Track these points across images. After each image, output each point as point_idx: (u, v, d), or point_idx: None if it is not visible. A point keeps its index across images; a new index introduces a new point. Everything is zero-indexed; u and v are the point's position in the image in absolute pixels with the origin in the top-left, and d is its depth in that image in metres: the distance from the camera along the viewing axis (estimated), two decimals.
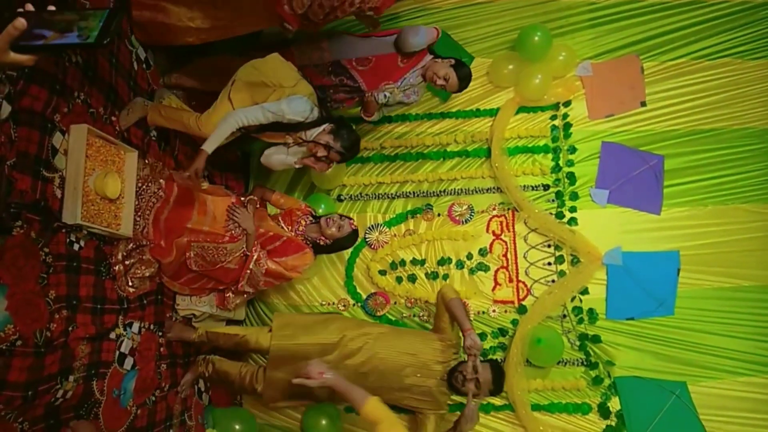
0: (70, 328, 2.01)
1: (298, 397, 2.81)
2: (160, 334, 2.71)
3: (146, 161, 2.63)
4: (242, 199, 2.81)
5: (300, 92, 2.68)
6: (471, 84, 3.05)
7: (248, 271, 2.71)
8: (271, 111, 2.56)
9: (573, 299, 3.26)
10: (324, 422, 3.06)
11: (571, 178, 3.37)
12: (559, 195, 3.37)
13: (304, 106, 2.62)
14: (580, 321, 3.24)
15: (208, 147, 2.45)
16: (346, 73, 2.93)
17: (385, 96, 2.88)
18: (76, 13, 1.06)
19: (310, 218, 2.89)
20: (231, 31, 2.67)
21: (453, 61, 2.87)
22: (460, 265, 3.38)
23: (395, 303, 3.38)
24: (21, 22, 0.96)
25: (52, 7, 1.08)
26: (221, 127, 2.49)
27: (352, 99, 2.99)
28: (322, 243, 2.83)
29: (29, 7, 1.07)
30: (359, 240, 3.39)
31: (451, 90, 2.94)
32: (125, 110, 2.54)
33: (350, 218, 2.88)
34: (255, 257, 2.69)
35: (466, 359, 2.60)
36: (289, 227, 2.85)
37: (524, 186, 3.40)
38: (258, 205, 2.86)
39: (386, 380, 2.67)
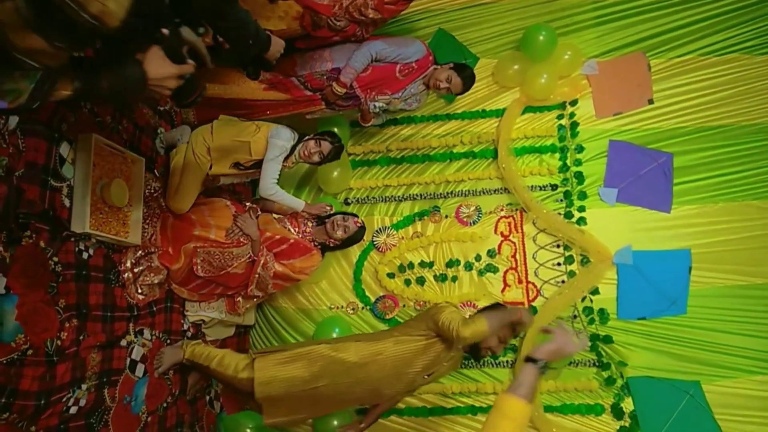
0: (81, 337, 2.02)
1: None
2: (169, 341, 2.71)
3: (156, 174, 2.66)
4: (247, 204, 2.83)
5: (265, 129, 2.72)
6: (476, 84, 3.04)
7: (257, 275, 2.72)
8: (276, 156, 2.65)
9: (583, 299, 3.23)
10: (336, 423, 3.03)
11: (579, 177, 3.34)
12: (567, 195, 3.35)
13: (285, 131, 2.71)
14: (591, 321, 3.21)
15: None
16: None
17: (375, 106, 2.94)
18: (6, 75, 0.99)
19: (316, 219, 2.91)
20: None
21: (452, 65, 2.92)
22: (468, 266, 3.36)
23: (404, 306, 3.37)
24: None
25: None
26: (285, 199, 2.81)
27: (349, 106, 3.01)
28: (331, 245, 2.88)
29: None
30: (367, 243, 3.40)
31: (455, 91, 2.95)
32: (161, 137, 2.75)
33: (354, 215, 2.91)
34: (262, 261, 2.71)
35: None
36: (296, 229, 2.87)
37: (532, 186, 3.38)
38: (260, 211, 2.87)
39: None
